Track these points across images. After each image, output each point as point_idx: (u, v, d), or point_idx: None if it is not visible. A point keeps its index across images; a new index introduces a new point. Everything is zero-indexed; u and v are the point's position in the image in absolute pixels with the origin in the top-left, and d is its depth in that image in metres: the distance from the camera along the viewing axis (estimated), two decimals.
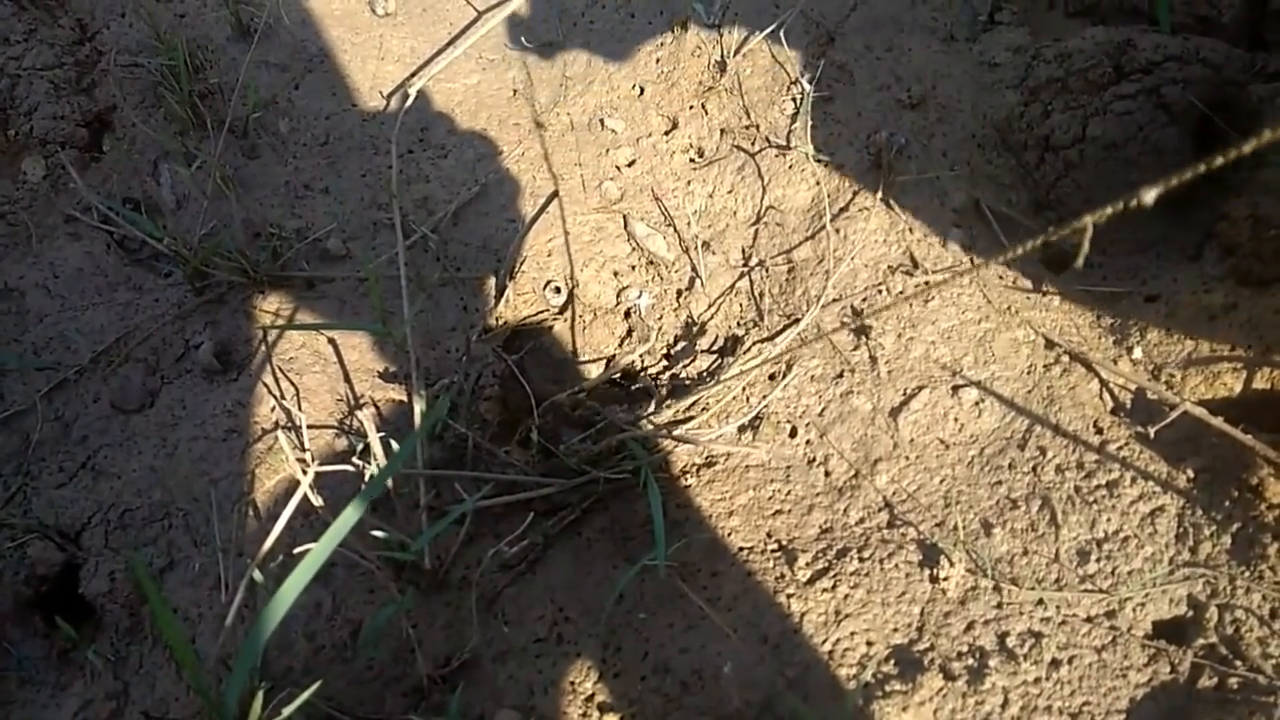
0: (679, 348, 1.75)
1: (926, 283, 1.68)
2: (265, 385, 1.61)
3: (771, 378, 1.65)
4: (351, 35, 2.12)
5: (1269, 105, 1.62)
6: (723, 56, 1.99)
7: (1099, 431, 1.48)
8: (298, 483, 1.40)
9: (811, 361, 1.64)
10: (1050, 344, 1.58)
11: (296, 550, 1.36)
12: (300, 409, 1.58)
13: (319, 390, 1.62)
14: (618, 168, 1.93)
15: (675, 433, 1.56)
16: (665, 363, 1.73)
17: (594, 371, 1.71)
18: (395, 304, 1.70)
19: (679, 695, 1.28)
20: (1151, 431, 1.44)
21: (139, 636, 1.41)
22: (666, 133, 1.96)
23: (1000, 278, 1.67)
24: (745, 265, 1.80)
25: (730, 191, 1.88)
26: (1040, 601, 1.32)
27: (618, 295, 1.80)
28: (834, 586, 1.36)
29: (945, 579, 1.35)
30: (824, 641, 1.31)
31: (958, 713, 1.23)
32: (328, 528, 1.01)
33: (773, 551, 1.43)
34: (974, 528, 1.42)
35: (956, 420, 1.53)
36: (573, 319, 1.75)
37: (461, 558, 1.44)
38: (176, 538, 1.48)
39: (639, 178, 1.91)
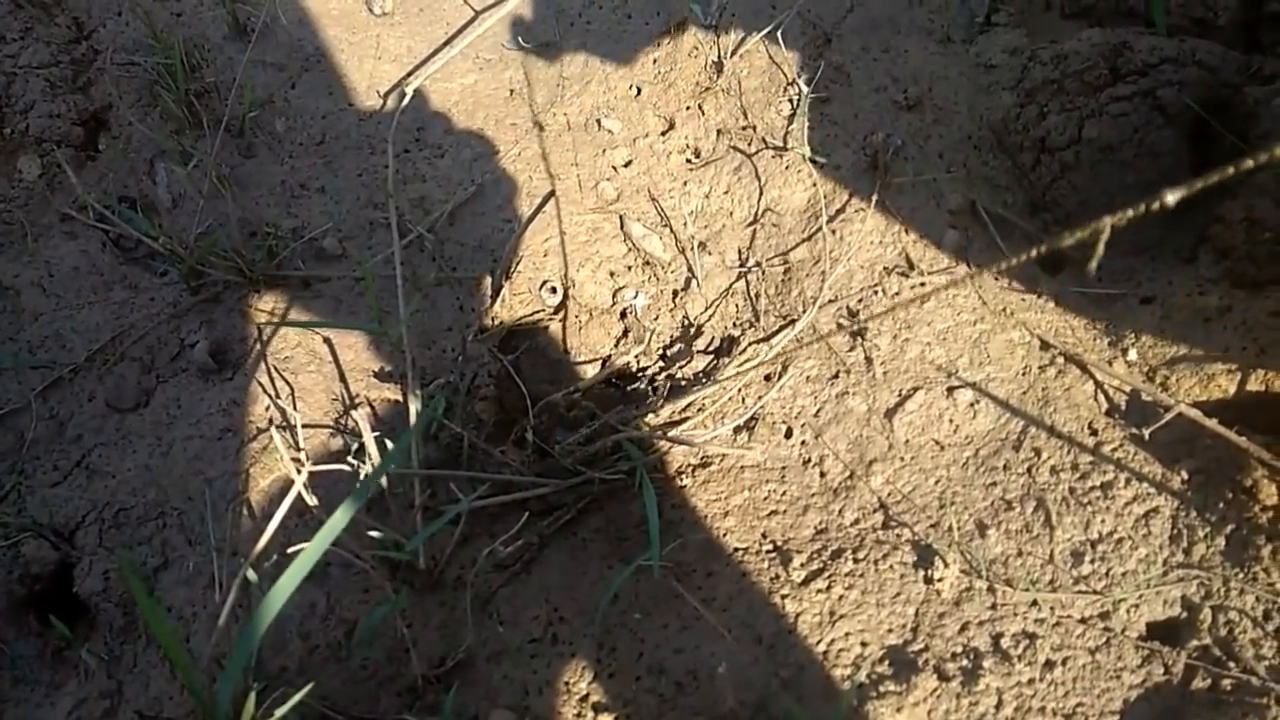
0: (675, 348, 1.75)
1: (922, 284, 1.68)
2: (260, 384, 1.61)
3: (767, 378, 1.65)
4: (348, 35, 2.12)
5: (1265, 107, 1.62)
6: (720, 57, 1.99)
7: (1094, 433, 1.48)
8: (292, 482, 1.40)
9: (807, 362, 1.64)
10: (1045, 345, 1.58)
11: (290, 550, 1.35)
12: (295, 408, 1.58)
13: (314, 389, 1.62)
14: (614, 168, 1.93)
15: (671, 433, 1.56)
16: (661, 363, 1.73)
17: (590, 372, 1.71)
18: (391, 303, 1.70)
19: (674, 695, 1.28)
20: (1146, 433, 1.44)
21: (133, 635, 1.41)
22: (663, 133, 1.97)
23: (996, 279, 1.67)
24: (741, 266, 1.80)
25: (727, 192, 1.88)
26: (1034, 602, 1.32)
27: (614, 296, 1.80)
28: (829, 587, 1.36)
29: (940, 580, 1.35)
30: (819, 642, 1.31)
31: (952, 713, 1.23)
32: (322, 527, 1.01)
33: (768, 552, 1.43)
34: (969, 529, 1.42)
35: (951, 421, 1.54)
36: (564, 319, 1.75)
37: (456, 557, 1.44)
38: (171, 537, 1.48)
39: (635, 178, 1.91)
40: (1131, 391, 1.51)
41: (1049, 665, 1.26)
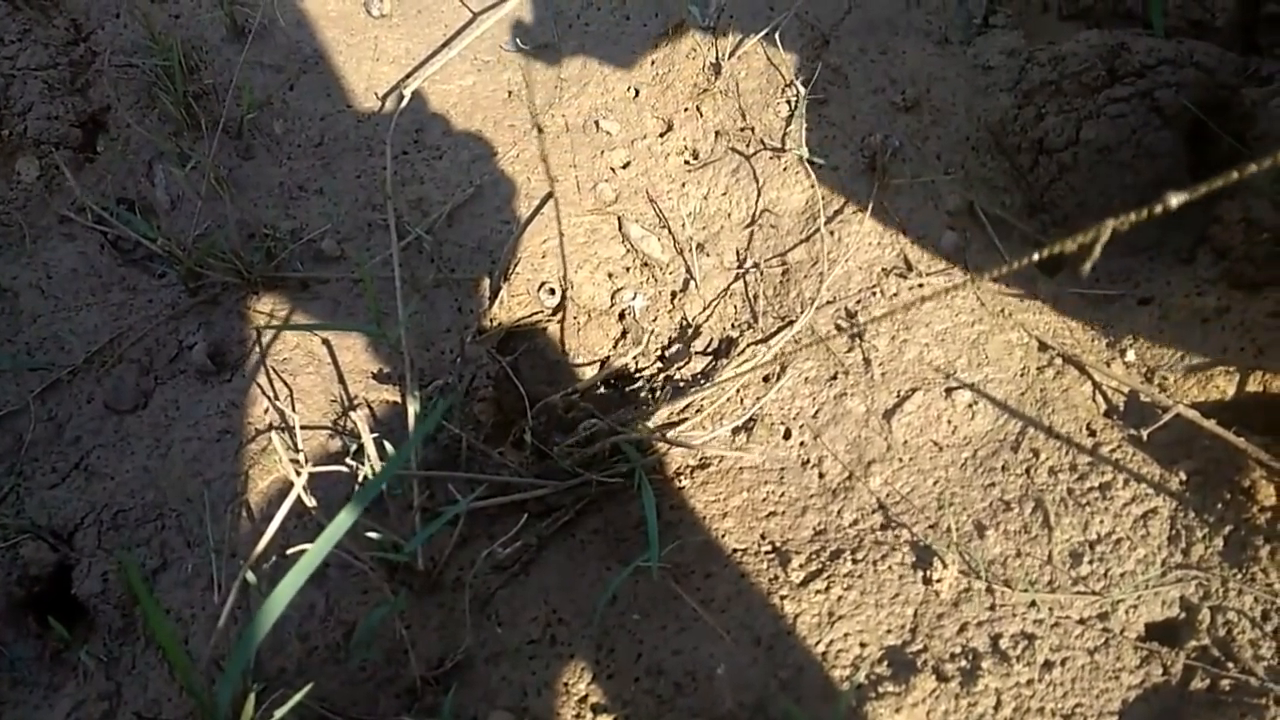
0: (673, 350, 1.75)
1: (921, 285, 1.68)
2: (259, 386, 1.61)
3: (765, 380, 1.65)
4: (346, 36, 2.12)
5: (1262, 109, 1.63)
6: (718, 59, 2.00)
7: (1092, 434, 1.48)
8: (291, 484, 1.40)
9: (805, 363, 1.64)
10: (1044, 346, 1.59)
11: (290, 551, 1.36)
12: (294, 410, 1.58)
13: (313, 391, 1.62)
14: (613, 169, 1.93)
15: (669, 435, 1.56)
16: (659, 364, 1.73)
17: (588, 373, 1.71)
18: (390, 305, 1.70)
19: (672, 697, 1.28)
20: (1144, 434, 1.44)
21: (131, 637, 1.41)
22: (661, 135, 1.97)
23: (994, 280, 1.68)
24: (740, 267, 1.80)
25: (725, 194, 1.88)
26: (1033, 603, 1.32)
27: (612, 297, 1.80)
28: (827, 588, 1.36)
29: (938, 581, 1.35)
30: (817, 643, 1.31)
31: (950, 714, 1.23)
32: (321, 529, 1.01)
33: (766, 553, 1.44)
34: (967, 529, 1.42)
35: (950, 422, 1.54)
36: (563, 320, 1.75)
37: (455, 559, 1.44)
38: (170, 538, 1.48)
39: (634, 179, 1.91)
40: (1130, 392, 1.51)
41: (1048, 666, 1.26)
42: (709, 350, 1.73)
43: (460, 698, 1.31)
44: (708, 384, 1.63)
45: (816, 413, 1.59)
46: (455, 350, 1.68)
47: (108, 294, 1.77)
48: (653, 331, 1.76)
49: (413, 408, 1.51)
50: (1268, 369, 1.46)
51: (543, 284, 1.77)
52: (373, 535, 1.34)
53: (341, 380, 1.64)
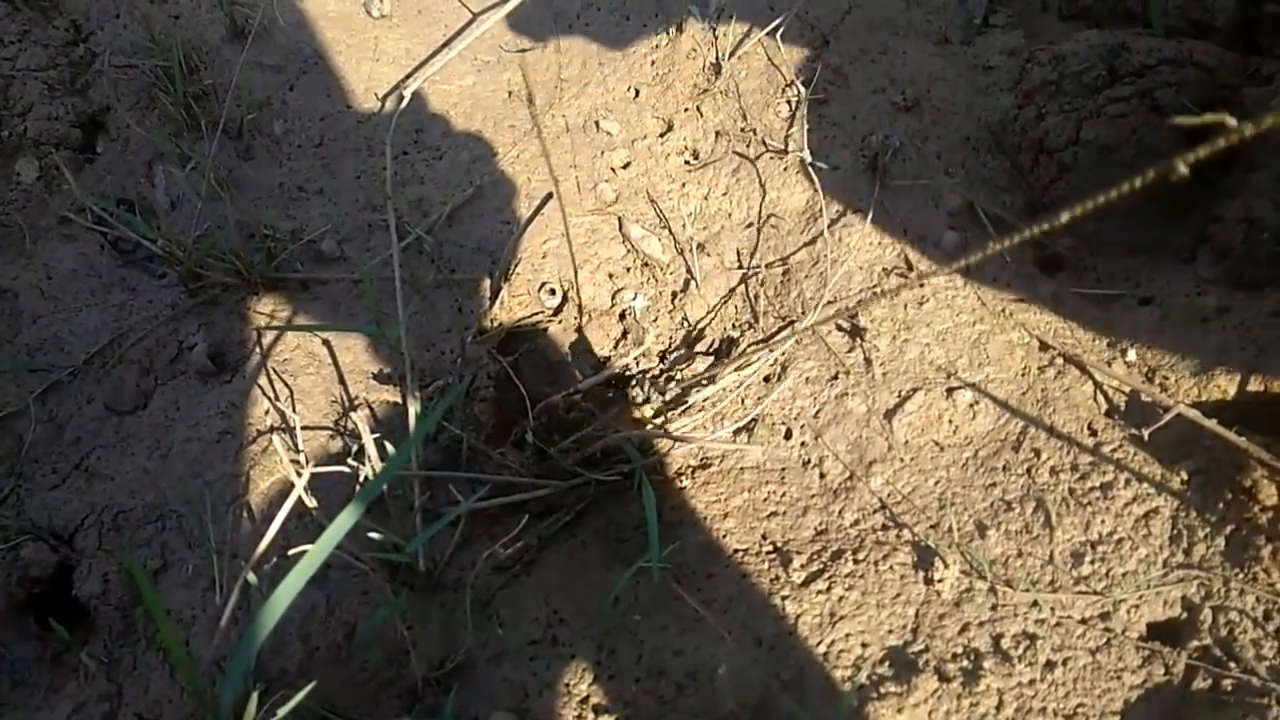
0: (674, 350, 1.75)
1: (921, 284, 1.68)
2: (259, 387, 1.61)
3: (766, 380, 1.65)
4: (346, 37, 2.12)
5: (1262, 109, 1.63)
6: (718, 59, 2.00)
7: (1093, 433, 1.48)
8: (292, 484, 1.40)
9: (806, 364, 1.64)
10: (1045, 346, 1.58)
11: (291, 552, 1.35)
12: (294, 411, 1.58)
13: (313, 392, 1.62)
14: (613, 170, 1.93)
15: (670, 435, 1.56)
16: (660, 365, 1.73)
17: (589, 373, 1.71)
18: (390, 306, 1.70)
19: (674, 697, 1.28)
20: (1145, 434, 1.44)
21: (132, 639, 1.40)
22: (662, 135, 1.97)
23: (995, 280, 1.68)
24: (740, 268, 1.80)
25: (725, 194, 1.88)
26: (1035, 603, 1.32)
27: (613, 297, 1.80)
28: (829, 588, 1.36)
29: (940, 581, 1.35)
30: (819, 643, 1.31)
31: (952, 714, 1.23)
32: (322, 530, 1.01)
33: (767, 553, 1.43)
34: (968, 529, 1.42)
35: (951, 422, 1.54)
36: (568, 320, 1.75)
37: (456, 560, 1.44)
38: (170, 539, 1.48)
39: (634, 180, 1.91)
40: (1131, 392, 1.51)
41: (1049, 666, 1.26)
42: (710, 350, 1.73)
43: (462, 698, 1.31)
44: (709, 384, 1.62)
45: (818, 413, 1.59)
46: (456, 351, 1.68)
47: (108, 295, 1.77)
48: (653, 332, 1.75)
49: (413, 408, 1.51)
50: (1268, 369, 1.46)
51: (543, 284, 1.77)
52: (374, 536, 1.34)
53: (342, 381, 1.64)
